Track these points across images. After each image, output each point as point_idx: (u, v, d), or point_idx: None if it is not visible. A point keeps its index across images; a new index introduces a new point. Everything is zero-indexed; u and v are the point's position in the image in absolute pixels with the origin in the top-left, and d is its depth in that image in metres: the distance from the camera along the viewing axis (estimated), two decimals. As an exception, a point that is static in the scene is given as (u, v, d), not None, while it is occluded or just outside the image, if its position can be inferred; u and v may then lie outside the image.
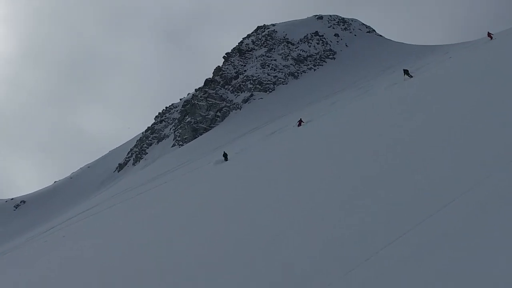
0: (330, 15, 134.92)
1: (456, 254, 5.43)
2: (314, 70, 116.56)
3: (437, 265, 5.40)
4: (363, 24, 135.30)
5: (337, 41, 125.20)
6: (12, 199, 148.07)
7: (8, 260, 43.72)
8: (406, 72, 40.89)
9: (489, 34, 47.45)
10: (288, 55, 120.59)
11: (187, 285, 10.99)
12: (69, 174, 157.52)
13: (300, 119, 47.52)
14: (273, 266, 9.10)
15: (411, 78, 41.89)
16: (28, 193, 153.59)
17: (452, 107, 17.05)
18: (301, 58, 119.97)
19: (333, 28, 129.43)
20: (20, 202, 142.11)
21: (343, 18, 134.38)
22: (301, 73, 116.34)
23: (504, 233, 5.27)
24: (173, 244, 17.75)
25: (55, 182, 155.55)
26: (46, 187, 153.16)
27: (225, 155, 42.96)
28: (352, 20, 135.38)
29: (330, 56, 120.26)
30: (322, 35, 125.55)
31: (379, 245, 6.96)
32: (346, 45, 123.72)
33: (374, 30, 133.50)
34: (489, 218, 6.01)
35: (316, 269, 7.53)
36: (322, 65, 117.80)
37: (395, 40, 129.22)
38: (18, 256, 41.43)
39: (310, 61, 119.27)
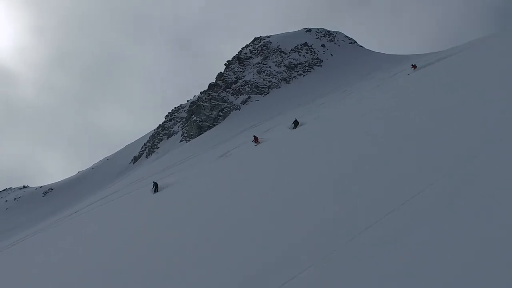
0: (318, 28, 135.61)
1: (432, 234, 5.30)
2: (304, 76, 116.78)
3: (414, 246, 5.25)
4: (346, 36, 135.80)
5: (324, 51, 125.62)
6: (41, 187, 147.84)
7: (37, 240, 43.29)
8: (295, 122, 37.03)
9: (413, 66, 46.34)
10: (281, 63, 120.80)
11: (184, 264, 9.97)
12: (91, 165, 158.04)
13: (255, 136, 41.44)
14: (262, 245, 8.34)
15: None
16: (55, 181, 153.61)
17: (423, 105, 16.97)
18: (292, 65, 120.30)
19: (320, 40, 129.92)
20: (48, 190, 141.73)
21: (328, 31, 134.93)
22: (292, 79, 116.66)
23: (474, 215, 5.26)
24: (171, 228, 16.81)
25: (78, 172, 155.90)
26: (71, 177, 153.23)
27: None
28: (336, 32, 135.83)
29: (318, 64, 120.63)
30: (311, 46, 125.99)
31: (361, 227, 6.59)
32: (331, 54, 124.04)
33: (355, 42, 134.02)
34: (460, 202, 5.93)
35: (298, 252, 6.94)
36: (311, 71, 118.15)
37: (373, 50, 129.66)
38: (45, 236, 40.78)
39: (300, 68, 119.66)
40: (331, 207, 8.84)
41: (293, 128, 36.37)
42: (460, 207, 5.85)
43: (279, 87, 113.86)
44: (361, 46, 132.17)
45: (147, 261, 12.22)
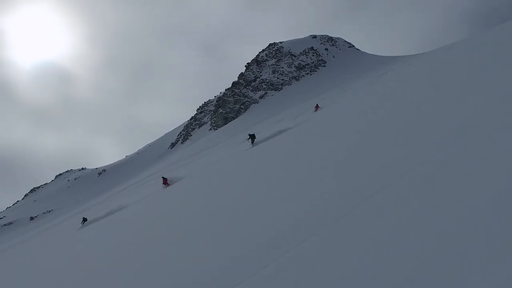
0: (322, 35, 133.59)
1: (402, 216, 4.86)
2: (311, 74, 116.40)
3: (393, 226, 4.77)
4: (346, 41, 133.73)
5: (327, 54, 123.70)
6: (96, 168, 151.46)
7: (94, 211, 45.02)
8: (251, 136, 30.99)
9: (316, 107, 40.71)
10: (291, 64, 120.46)
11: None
12: (136, 150, 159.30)
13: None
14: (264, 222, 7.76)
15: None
16: (107, 164, 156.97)
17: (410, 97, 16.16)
18: (301, 66, 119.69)
19: (324, 44, 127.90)
20: (102, 171, 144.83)
21: (331, 37, 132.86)
22: (301, 77, 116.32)
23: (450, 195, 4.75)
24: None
25: (126, 156, 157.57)
26: (120, 160, 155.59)
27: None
28: (337, 38, 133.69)
29: (322, 65, 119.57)
30: (316, 49, 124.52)
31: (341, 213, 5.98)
32: (333, 57, 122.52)
33: (353, 46, 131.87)
34: (438, 183, 5.41)
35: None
36: (316, 71, 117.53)
37: (368, 52, 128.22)
38: (100, 209, 41.32)
39: (308, 68, 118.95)
40: (337, 181, 8.22)
41: (251, 142, 30.56)
42: (440, 183, 5.37)
43: (290, 84, 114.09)
44: (358, 49, 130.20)
45: (184, 222, 12.12)
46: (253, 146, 29.83)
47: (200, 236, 9.28)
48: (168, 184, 31.28)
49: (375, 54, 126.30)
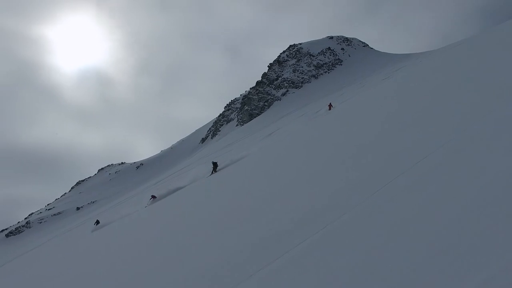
0: (338, 36, 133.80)
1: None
2: (328, 73, 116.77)
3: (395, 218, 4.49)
4: (360, 41, 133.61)
5: (343, 53, 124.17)
6: (134, 162, 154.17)
7: (134, 201, 46.05)
8: (214, 165, 27.63)
9: (329, 106, 37.81)
10: (310, 63, 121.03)
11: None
12: (170, 146, 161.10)
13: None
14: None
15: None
16: (144, 158, 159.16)
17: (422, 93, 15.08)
18: (319, 65, 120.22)
19: (340, 44, 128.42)
20: (140, 164, 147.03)
21: (346, 38, 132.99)
22: (320, 75, 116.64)
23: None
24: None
25: (161, 151, 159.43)
26: (156, 154, 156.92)
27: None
28: (353, 38, 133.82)
29: (338, 63, 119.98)
30: (333, 49, 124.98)
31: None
32: (349, 56, 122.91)
33: (367, 45, 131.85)
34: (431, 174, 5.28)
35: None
36: (333, 69, 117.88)
37: (381, 51, 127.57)
38: (139, 198, 42.60)
39: (325, 67, 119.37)
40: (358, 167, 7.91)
41: (212, 171, 27.35)
42: (452, 168, 5.11)
43: (310, 82, 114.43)
44: (372, 48, 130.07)
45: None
46: (211, 174, 27.10)
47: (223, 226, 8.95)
48: (154, 198, 29.79)
49: (388, 52, 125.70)
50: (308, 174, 10.24)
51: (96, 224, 33.24)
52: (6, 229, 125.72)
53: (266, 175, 14.00)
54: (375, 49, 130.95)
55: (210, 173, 27.82)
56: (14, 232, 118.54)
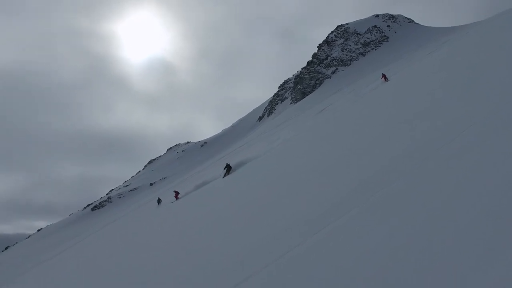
0: (383, 14, 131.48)
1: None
2: (375, 50, 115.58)
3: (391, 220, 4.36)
4: (406, 17, 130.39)
5: (389, 30, 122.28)
6: (199, 141, 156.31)
7: (200, 175, 47.48)
8: (228, 168, 25.76)
9: (384, 77, 35.33)
10: (358, 42, 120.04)
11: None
12: (230, 124, 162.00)
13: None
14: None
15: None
16: (208, 137, 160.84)
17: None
18: (366, 43, 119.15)
19: (386, 22, 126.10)
20: (204, 143, 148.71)
21: (392, 15, 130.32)
22: (367, 53, 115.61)
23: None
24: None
25: (223, 129, 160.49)
26: (218, 133, 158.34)
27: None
28: (398, 15, 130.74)
29: (385, 40, 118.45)
30: (379, 27, 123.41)
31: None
32: (395, 32, 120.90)
33: (413, 21, 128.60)
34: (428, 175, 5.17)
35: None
36: (380, 46, 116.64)
37: (427, 25, 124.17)
38: (205, 172, 43.02)
39: (372, 44, 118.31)
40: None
41: (225, 174, 25.47)
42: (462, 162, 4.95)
43: (358, 60, 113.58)
44: (417, 24, 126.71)
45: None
46: (224, 176, 25.17)
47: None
48: (177, 197, 28.71)
49: (434, 26, 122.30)
50: (361, 147, 10.04)
51: (159, 203, 32.41)
52: (91, 203, 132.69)
53: (316, 153, 13.68)
54: (421, 24, 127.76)
55: (223, 175, 25.60)
56: (98, 206, 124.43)
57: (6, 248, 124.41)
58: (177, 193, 29.57)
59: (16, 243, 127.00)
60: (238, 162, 26.95)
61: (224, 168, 26.31)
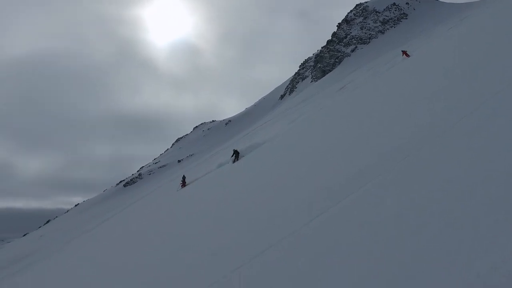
0: None
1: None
2: (394, 27, 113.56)
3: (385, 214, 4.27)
4: None
5: (408, 7, 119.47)
6: (223, 120, 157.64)
7: (225, 151, 47.26)
8: (235, 153, 24.97)
9: (405, 54, 32.91)
10: (377, 20, 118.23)
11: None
12: (253, 103, 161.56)
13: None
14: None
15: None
16: (232, 115, 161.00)
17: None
18: (385, 21, 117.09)
19: None
20: (228, 121, 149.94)
21: None
22: (386, 30, 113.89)
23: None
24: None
25: (246, 108, 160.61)
26: (241, 111, 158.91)
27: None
28: None
29: (404, 18, 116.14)
30: (398, 5, 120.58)
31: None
32: (414, 9, 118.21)
33: None
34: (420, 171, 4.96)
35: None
36: (399, 23, 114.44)
37: (447, 2, 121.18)
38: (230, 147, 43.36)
39: (391, 22, 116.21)
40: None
41: (234, 160, 24.80)
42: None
43: (377, 38, 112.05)
44: (437, 0, 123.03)
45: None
46: (234, 162, 24.46)
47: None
48: (184, 184, 27.62)
49: (454, 2, 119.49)
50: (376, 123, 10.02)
51: (183, 180, 31.69)
52: (123, 180, 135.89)
53: (336, 128, 13.79)
54: (440, 0, 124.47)
55: (233, 161, 24.98)
56: (129, 182, 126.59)
57: (48, 221, 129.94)
58: (184, 181, 28.59)
59: (56, 217, 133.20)
60: (248, 146, 26.25)
61: (232, 155, 25.54)
